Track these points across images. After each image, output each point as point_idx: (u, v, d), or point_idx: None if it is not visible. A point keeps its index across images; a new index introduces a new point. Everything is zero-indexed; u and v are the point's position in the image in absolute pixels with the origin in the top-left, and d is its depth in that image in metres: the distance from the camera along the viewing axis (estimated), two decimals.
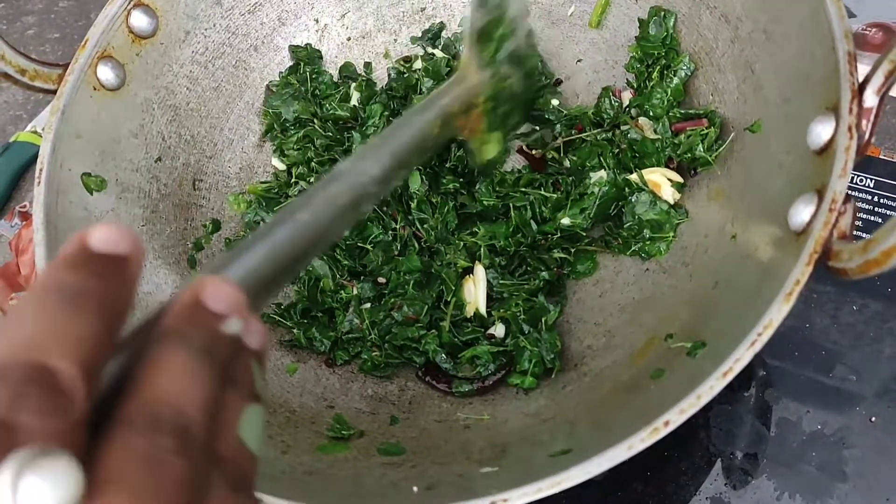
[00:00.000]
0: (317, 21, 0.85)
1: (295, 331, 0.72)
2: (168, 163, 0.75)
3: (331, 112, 0.82)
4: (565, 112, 0.78)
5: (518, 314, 0.68)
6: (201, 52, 0.79)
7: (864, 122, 0.49)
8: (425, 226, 0.74)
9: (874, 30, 0.86)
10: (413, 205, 0.74)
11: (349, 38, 0.86)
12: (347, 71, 0.85)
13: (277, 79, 0.84)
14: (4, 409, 0.24)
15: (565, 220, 0.72)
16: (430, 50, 0.85)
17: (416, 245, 0.73)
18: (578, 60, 0.80)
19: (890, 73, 0.49)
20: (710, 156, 0.67)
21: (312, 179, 0.78)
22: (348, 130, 0.81)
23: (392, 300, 0.71)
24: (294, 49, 0.84)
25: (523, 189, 0.74)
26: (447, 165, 0.76)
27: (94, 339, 0.27)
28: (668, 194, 0.69)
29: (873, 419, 0.69)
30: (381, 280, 0.73)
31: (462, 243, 0.73)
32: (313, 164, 0.79)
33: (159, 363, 0.29)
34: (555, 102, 0.79)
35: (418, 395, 0.69)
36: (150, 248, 0.70)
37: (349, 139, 0.80)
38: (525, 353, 0.67)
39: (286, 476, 0.55)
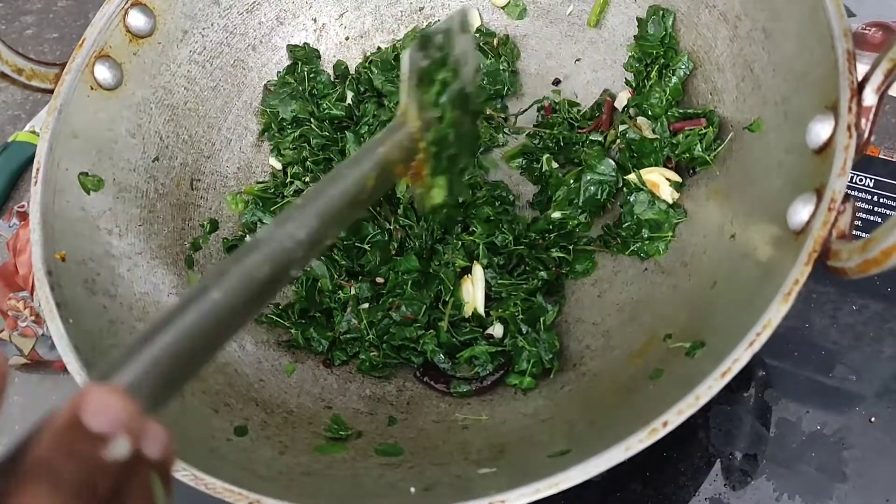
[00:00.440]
0: (315, 20, 0.85)
1: (293, 331, 0.72)
2: (166, 162, 0.75)
3: (327, 111, 0.81)
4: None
5: (516, 314, 0.68)
6: (199, 52, 0.78)
7: (863, 120, 0.49)
8: (411, 231, 0.73)
9: (874, 29, 0.86)
10: (399, 210, 0.74)
11: (347, 38, 0.86)
12: (340, 70, 0.85)
13: (275, 78, 0.84)
14: None
15: (556, 214, 0.72)
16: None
17: (415, 244, 0.73)
18: (577, 60, 0.80)
19: (889, 71, 0.49)
20: (709, 155, 0.66)
21: (308, 179, 0.78)
22: (343, 130, 0.80)
23: (390, 300, 0.71)
24: (292, 48, 0.84)
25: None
26: None
27: None
28: (667, 194, 0.69)
29: (873, 419, 0.68)
30: (380, 280, 0.73)
31: (460, 242, 0.73)
32: (308, 163, 0.79)
33: None
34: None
35: (416, 396, 0.69)
36: (147, 248, 0.70)
37: (343, 139, 0.79)
38: (523, 353, 0.67)
39: (283, 477, 0.55)
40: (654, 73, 0.73)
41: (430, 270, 0.72)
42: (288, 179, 0.79)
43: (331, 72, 0.85)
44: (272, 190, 0.79)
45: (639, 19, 0.75)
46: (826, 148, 0.50)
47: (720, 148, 0.66)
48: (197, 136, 0.79)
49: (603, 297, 0.70)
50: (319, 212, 0.46)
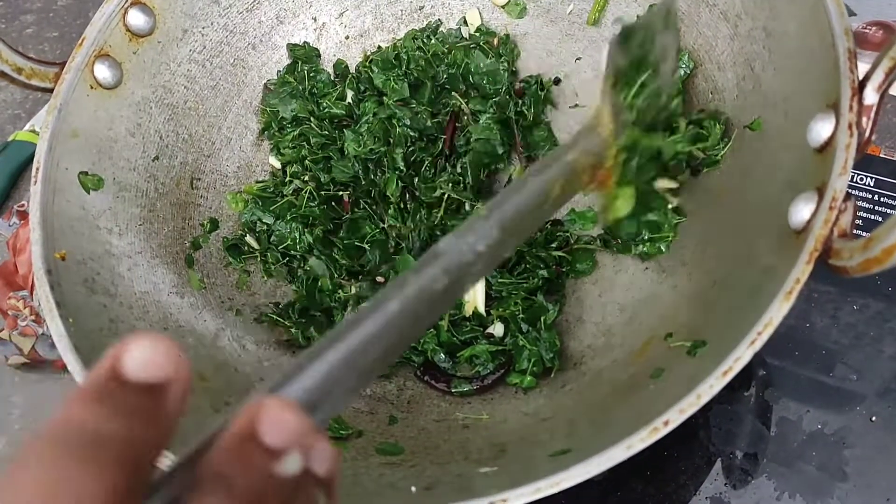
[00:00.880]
0: (315, 19, 0.85)
1: (293, 330, 0.72)
2: (166, 162, 0.75)
3: (327, 110, 0.81)
4: None
5: (517, 313, 0.68)
6: (199, 51, 0.78)
7: (864, 119, 0.49)
8: (400, 232, 0.73)
9: (874, 28, 0.86)
10: (389, 210, 0.74)
11: (347, 37, 0.86)
12: (340, 69, 0.85)
13: (275, 77, 0.83)
14: None
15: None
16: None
17: (405, 245, 0.73)
18: (577, 58, 0.80)
19: (890, 70, 0.49)
20: (717, 155, 0.66)
21: (307, 178, 0.78)
22: (343, 129, 0.80)
23: None
24: (292, 47, 0.84)
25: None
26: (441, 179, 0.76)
27: (114, 498, 0.23)
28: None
29: (874, 419, 0.68)
30: (380, 279, 0.73)
31: None
32: (307, 162, 0.78)
33: None
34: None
35: (417, 395, 0.69)
36: (147, 247, 0.70)
37: (342, 138, 0.79)
38: (524, 352, 0.67)
39: None
40: None
41: None
42: (287, 178, 0.79)
43: (331, 71, 0.85)
44: (272, 189, 0.78)
45: (639, 18, 0.74)
46: (827, 147, 0.50)
47: (727, 148, 0.66)
48: (197, 135, 0.79)
49: (604, 297, 0.70)
50: (502, 222, 0.44)
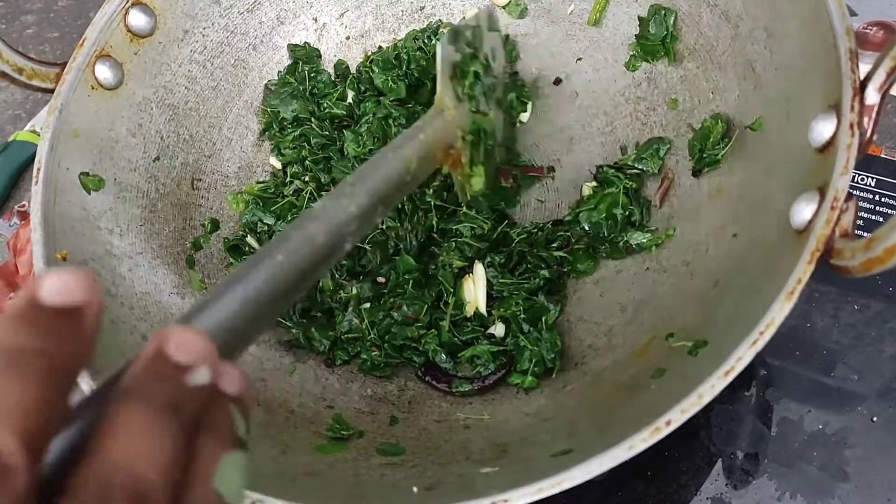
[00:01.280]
0: (315, 20, 0.85)
1: (294, 330, 0.72)
2: (166, 162, 0.75)
3: (328, 111, 0.81)
4: None
5: (518, 313, 0.68)
6: (200, 51, 0.78)
7: (865, 119, 0.49)
8: (397, 233, 0.73)
9: (875, 28, 0.86)
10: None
11: (348, 37, 0.86)
12: (340, 69, 0.85)
13: (276, 78, 0.83)
14: None
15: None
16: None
17: (403, 246, 0.73)
18: (578, 59, 0.80)
19: (891, 70, 0.49)
20: (717, 154, 0.66)
21: (307, 178, 0.78)
22: (343, 129, 0.80)
23: (391, 300, 0.71)
24: (293, 48, 0.84)
25: None
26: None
27: (39, 408, 0.26)
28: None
29: (875, 419, 0.68)
30: (381, 280, 0.72)
31: (454, 243, 0.72)
32: (307, 162, 0.78)
33: (115, 425, 0.27)
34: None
35: (418, 395, 0.69)
36: (148, 247, 0.70)
37: (342, 138, 0.79)
38: (525, 352, 0.67)
39: (285, 476, 0.55)
40: None
41: (430, 272, 0.72)
42: (288, 179, 0.79)
43: (331, 71, 0.85)
44: (272, 189, 0.78)
45: (640, 18, 0.75)
46: (828, 147, 0.50)
47: (727, 148, 0.66)
48: (198, 135, 0.79)
49: (605, 297, 0.70)
50: (368, 188, 0.50)
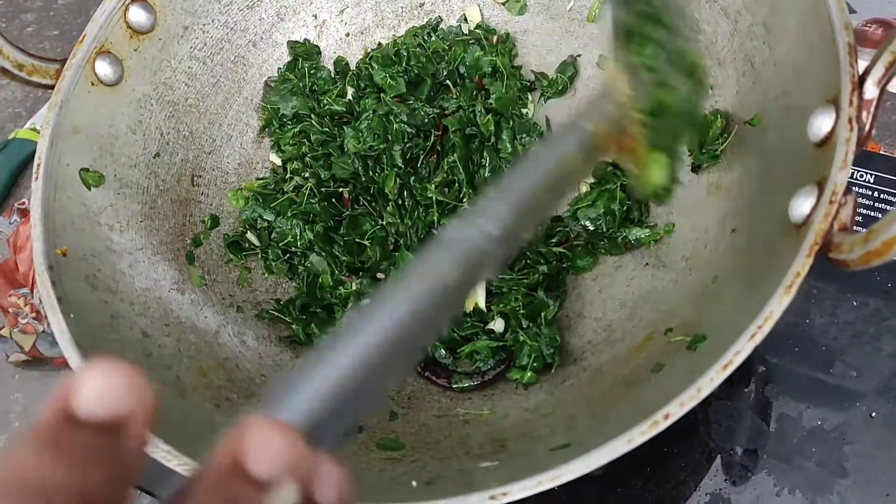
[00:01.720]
0: (315, 17, 0.85)
1: (294, 327, 0.72)
2: (166, 158, 0.75)
3: (327, 107, 0.81)
4: None
5: (517, 309, 0.68)
6: (200, 48, 0.79)
7: (864, 113, 0.49)
8: (398, 229, 0.74)
9: (874, 26, 0.86)
10: (388, 207, 0.74)
11: (348, 34, 0.86)
12: (340, 66, 0.85)
13: (276, 74, 0.84)
14: None
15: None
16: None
17: (404, 242, 0.73)
18: (577, 55, 0.80)
19: (890, 64, 0.49)
20: (716, 150, 0.66)
21: (307, 174, 0.78)
22: (343, 125, 0.81)
23: None
24: (292, 45, 0.84)
25: None
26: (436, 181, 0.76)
27: None
28: None
29: (873, 415, 0.68)
30: (380, 276, 0.73)
31: None
32: (307, 158, 0.79)
33: None
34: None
35: (418, 391, 0.69)
36: (148, 243, 0.70)
37: (342, 134, 0.80)
38: (524, 348, 0.67)
39: None
40: None
41: None
42: (288, 175, 0.79)
43: (331, 68, 0.85)
44: (272, 186, 0.78)
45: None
46: (827, 141, 0.50)
47: (725, 143, 0.66)
48: (197, 132, 0.79)
49: (604, 293, 0.70)
50: (514, 201, 0.40)
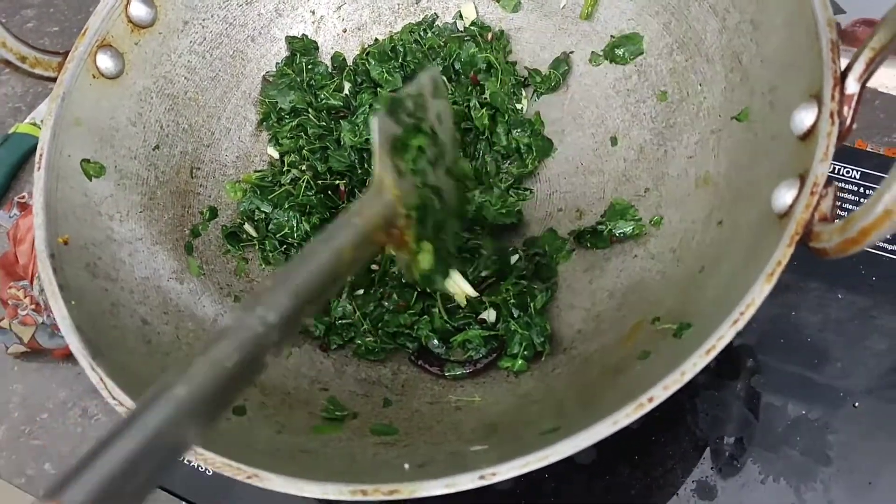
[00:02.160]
0: (313, 12, 0.86)
1: None
2: (166, 151, 0.77)
3: (325, 102, 0.83)
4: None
5: (508, 299, 0.70)
6: (199, 42, 0.80)
7: (845, 108, 0.51)
8: None
9: (862, 27, 0.88)
10: None
11: (345, 30, 0.87)
12: (337, 61, 0.86)
13: (274, 69, 0.85)
14: None
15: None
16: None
17: None
18: (570, 52, 0.81)
19: (871, 60, 0.50)
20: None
21: (304, 167, 0.79)
22: (340, 119, 0.82)
23: (381, 290, 0.72)
24: (290, 40, 0.85)
25: None
26: None
27: None
28: None
29: (857, 405, 0.70)
30: (374, 267, 0.74)
31: None
32: (304, 152, 0.80)
33: None
34: None
35: (411, 379, 0.70)
36: (147, 233, 0.71)
37: (339, 128, 0.81)
38: (516, 336, 0.68)
39: (281, 453, 0.56)
40: None
41: None
42: (285, 168, 0.80)
43: (329, 63, 0.87)
44: (270, 178, 0.80)
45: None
46: (810, 135, 0.52)
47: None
48: (197, 125, 0.80)
49: (594, 283, 0.71)
50: (293, 289, 0.44)
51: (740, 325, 0.47)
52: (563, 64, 0.81)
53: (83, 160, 0.68)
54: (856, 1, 0.88)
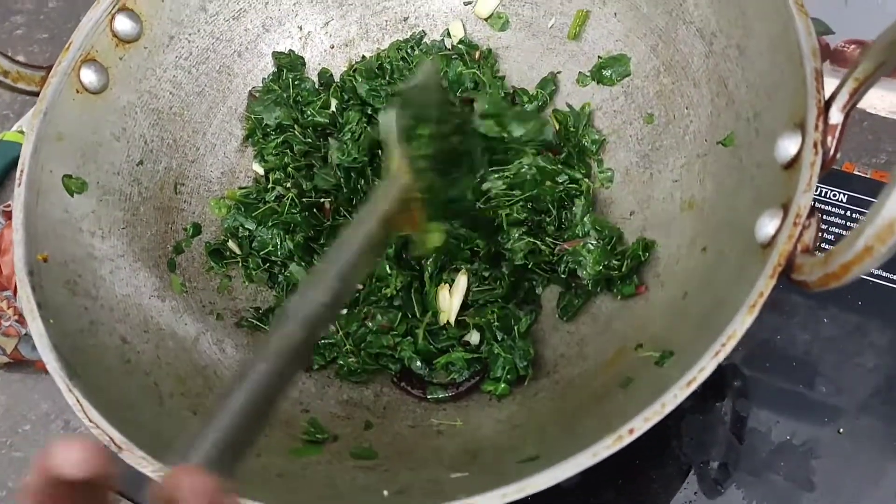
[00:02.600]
0: (300, 28, 0.86)
1: None
2: (150, 166, 0.76)
3: (311, 118, 0.82)
4: None
5: (492, 321, 0.69)
6: (185, 57, 0.79)
7: (829, 138, 0.51)
8: None
9: (852, 46, 0.88)
10: None
11: (332, 46, 0.87)
12: (324, 77, 0.86)
13: (260, 85, 0.84)
14: None
15: None
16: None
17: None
18: (558, 72, 0.81)
19: (854, 90, 0.50)
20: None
21: (289, 184, 0.78)
22: (326, 137, 0.81)
23: (365, 309, 0.72)
24: (277, 55, 0.85)
25: None
26: None
27: None
28: None
29: (841, 430, 0.70)
30: (359, 286, 0.73)
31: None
32: (290, 169, 0.79)
33: None
34: None
35: (393, 401, 0.69)
36: (129, 250, 0.71)
37: (325, 146, 0.80)
38: (499, 360, 0.68)
39: (258, 478, 0.56)
40: None
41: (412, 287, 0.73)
42: (270, 185, 0.79)
43: (315, 79, 0.86)
44: (254, 195, 0.79)
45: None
46: (793, 164, 0.51)
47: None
48: (181, 140, 0.79)
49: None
50: (339, 273, 0.51)
51: (721, 357, 0.47)
52: (550, 84, 0.80)
53: (65, 176, 0.68)
54: (845, 21, 0.88)
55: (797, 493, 0.68)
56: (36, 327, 0.58)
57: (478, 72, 0.80)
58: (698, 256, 0.62)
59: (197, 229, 0.78)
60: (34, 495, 0.29)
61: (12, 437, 0.84)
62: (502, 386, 0.67)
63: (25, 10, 1.20)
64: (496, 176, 0.73)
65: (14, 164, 0.99)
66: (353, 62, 0.86)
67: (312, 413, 0.67)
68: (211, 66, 0.82)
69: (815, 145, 0.50)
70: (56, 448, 0.29)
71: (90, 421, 0.54)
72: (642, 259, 0.68)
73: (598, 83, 0.79)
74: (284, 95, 0.83)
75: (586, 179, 0.74)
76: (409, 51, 0.84)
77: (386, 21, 0.87)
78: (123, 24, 0.73)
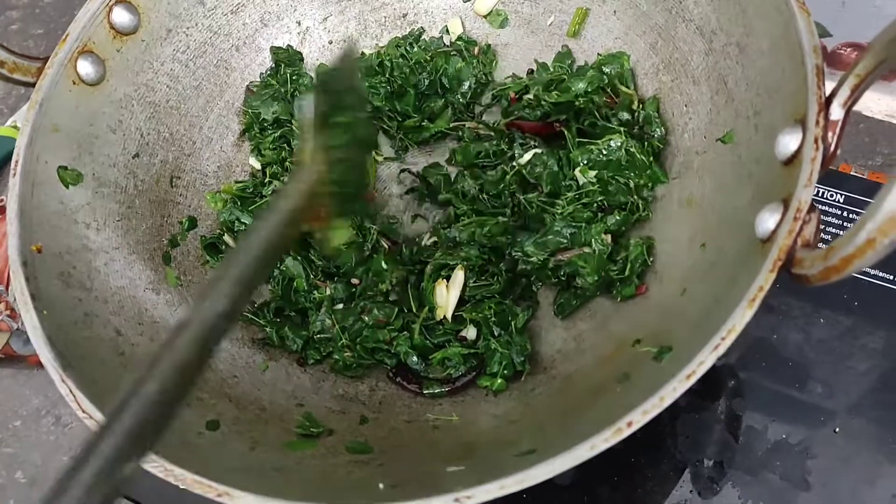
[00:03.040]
0: (299, 23, 0.86)
1: (267, 329, 0.72)
2: (146, 159, 0.76)
3: None
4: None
5: (489, 317, 0.69)
6: (182, 51, 0.79)
7: (829, 134, 0.51)
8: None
9: (849, 49, 0.88)
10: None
11: (331, 42, 0.87)
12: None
13: (258, 79, 0.84)
14: None
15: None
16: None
17: (386, 247, 0.74)
18: None
19: (855, 87, 0.50)
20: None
21: (286, 179, 0.78)
22: None
23: (361, 304, 0.71)
24: (275, 50, 0.85)
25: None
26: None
27: None
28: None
29: (837, 430, 0.70)
30: (355, 281, 0.73)
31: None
32: (287, 163, 0.79)
33: None
34: None
35: (389, 396, 0.69)
36: (124, 243, 0.70)
37: None
38: (496, 355, 0.67)
39: (253, 471, 0.56)
40: None
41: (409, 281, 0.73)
42: (267, 179, 0.79)
43: (313, 75, 0.86)
44: (251, 189, 0.79)
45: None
46: (794, 160, 0.51)
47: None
48: (178, 133, 0.79)
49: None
50: (238, 277, 0.47)
51: (721, 351, 0.47)
52: None
53: (60, 167, 0.67)
54: (842, 24, 0.88)
55: (793, 492, 0.68)
56: (30, 318, 0.57)
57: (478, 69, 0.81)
58: (697, 253, 0.62)
59: (192, 223, 0.77)
60: None
61: (3, 433, 0.83)
62: (499, 381, 0.66)
63: (21, 4, 1.20)
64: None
65: (7, 158, 0.99)
66: None
67: (307, 407, 0.67)
68: (208, 60, 0.81)
69: (817, 141, 0.50)
70: None
71: (83, 412, 0.53)
72: (648, 264, 0.67)
73: None
74: (282, 90, 0.83)
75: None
76: (407, 48, 0.84)
77: (385, 17, 0.87)
78: (121, 17, 0.73)
